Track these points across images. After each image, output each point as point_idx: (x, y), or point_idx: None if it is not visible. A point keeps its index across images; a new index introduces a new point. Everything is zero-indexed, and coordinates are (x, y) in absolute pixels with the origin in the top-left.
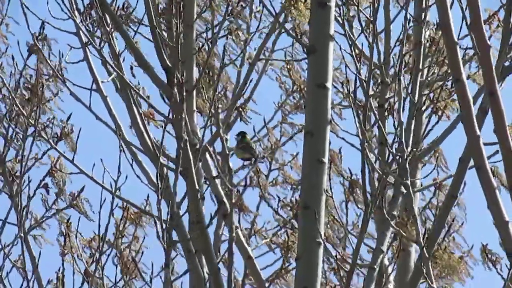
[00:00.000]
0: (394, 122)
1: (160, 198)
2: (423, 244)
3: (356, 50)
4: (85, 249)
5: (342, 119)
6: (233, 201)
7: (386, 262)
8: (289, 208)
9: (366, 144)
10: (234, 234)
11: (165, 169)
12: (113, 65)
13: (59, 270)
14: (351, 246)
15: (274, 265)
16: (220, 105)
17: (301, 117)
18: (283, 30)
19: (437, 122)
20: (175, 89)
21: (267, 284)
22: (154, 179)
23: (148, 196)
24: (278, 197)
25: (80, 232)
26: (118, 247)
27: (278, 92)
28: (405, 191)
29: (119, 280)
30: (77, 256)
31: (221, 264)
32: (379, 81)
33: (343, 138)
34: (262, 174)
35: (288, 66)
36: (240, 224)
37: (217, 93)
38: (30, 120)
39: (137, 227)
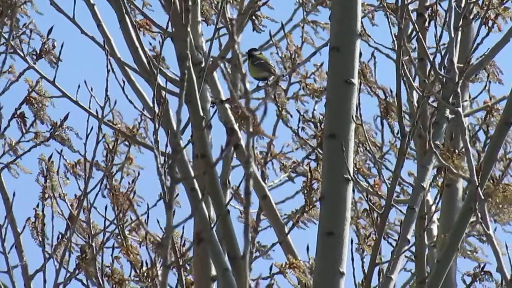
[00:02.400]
0: (436, 34)
1: (157, 126)
2: (477, 183)
3: None
4: (68, 174)
5: (373, 25)
6: (251, 129)
7: (430, 201)
8: (312, 125)
9: (403, 54)
10: (251, 170)
11: (163, 92)
12: None
13: (36, 214)
14: (385, 183)
15: (295, 199)
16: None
17: (326, 14)
18: None
19: (487, 35)
20: None
21: (287, 230)
22: (151, 104)
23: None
24: (299, 111)
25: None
26: (108, 173)
27: None
28: (451, 116)
29: (114, 219)
30: (59, 196)
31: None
32: None
33: (376, 48)
34: (280, 88)
35: None
36: (254, 148)
37: None
38: (2, 33)
39: (130, 146)
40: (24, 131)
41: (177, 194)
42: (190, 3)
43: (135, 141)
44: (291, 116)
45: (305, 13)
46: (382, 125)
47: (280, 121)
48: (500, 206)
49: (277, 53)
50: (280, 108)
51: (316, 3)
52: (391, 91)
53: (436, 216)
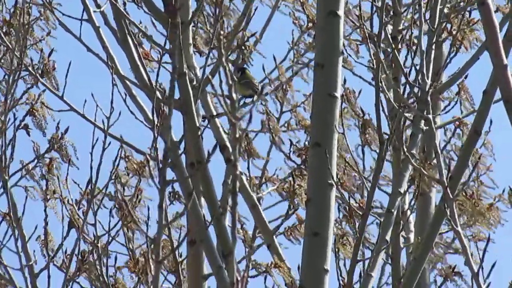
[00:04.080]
0: (410, 54)
1: (156, 135)
2: (446, 184)
3: None
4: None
5: (358, 58)
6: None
7: (405, 206)
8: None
9: (381, 75)
10: (238, 171)
11: (162, 105)
12: None
13: (45, 221)
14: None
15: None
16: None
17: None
18: None
19: (455, 54)
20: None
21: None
22: (150, 116)
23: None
24: (291, 141)
25: (74, 180)
26: (117, 199)
27: (292, 31)
28: (425, 128)
29: (113, 227)
30: (62, 201)
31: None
32: (391, 13)
33: (360, 76)
34: (272, 117)
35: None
36: (250, 171)
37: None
38: (15, 53)
39: (140, 178)
40: (38, 158)
41: (175, 195)
42: (180, 21)
43: (136, 149)
44: (283, 143)
45: (295, 52)
46: (363, 152)
47: (273, 147)
48: (472, 217)
49: (270, 85)
50: (273, 136)
51: (308, 46)
52: (363, 112)
53: (412, 224)
